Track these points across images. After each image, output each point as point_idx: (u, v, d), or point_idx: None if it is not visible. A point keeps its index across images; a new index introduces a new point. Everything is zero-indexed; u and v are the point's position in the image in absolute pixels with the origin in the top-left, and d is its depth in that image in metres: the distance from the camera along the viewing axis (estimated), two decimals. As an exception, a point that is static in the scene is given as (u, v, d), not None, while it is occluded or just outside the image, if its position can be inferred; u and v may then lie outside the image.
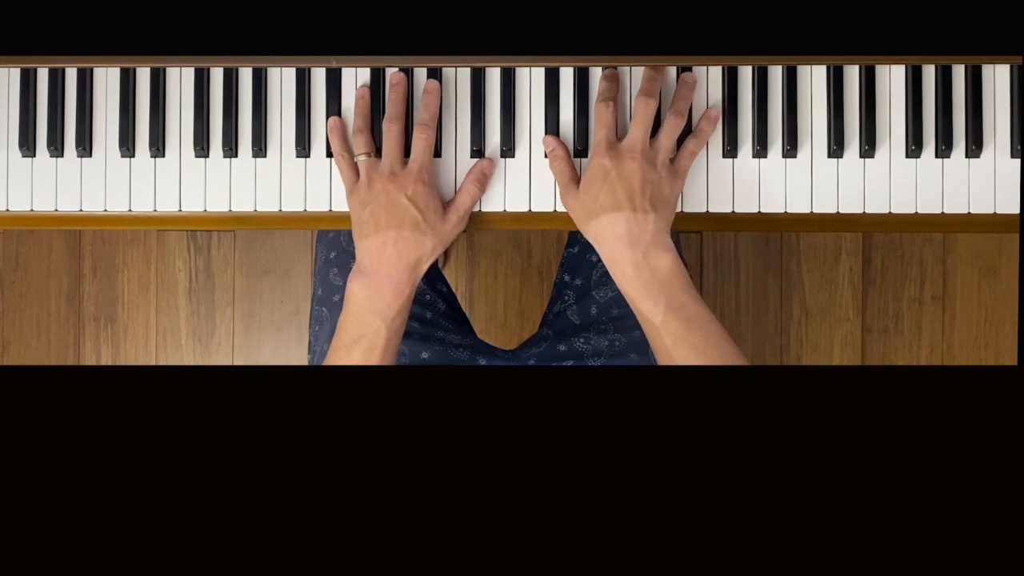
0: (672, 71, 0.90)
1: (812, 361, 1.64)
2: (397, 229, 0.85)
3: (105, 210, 0.91)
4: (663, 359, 0.84)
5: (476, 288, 1.67)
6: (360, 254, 0.86)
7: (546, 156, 0.90)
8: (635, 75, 0.90)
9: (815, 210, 0.90)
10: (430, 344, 1.03)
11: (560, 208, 0.90)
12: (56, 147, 0.91)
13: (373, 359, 0.84)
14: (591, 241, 0.86)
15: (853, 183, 0.90)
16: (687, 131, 0.89)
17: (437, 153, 0.90)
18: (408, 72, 0.91)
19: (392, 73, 0.90)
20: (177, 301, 1.67)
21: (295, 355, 1.66)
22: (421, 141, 0.87)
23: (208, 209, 0.91)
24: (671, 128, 0.87)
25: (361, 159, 0.88)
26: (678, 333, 0.81)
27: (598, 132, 0.86)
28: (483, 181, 0.89)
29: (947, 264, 1.65)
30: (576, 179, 0.88)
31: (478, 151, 0.90)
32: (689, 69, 0.90)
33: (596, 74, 0.90)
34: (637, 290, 0.83)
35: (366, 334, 0.84)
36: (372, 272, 0.85)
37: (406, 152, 0.88)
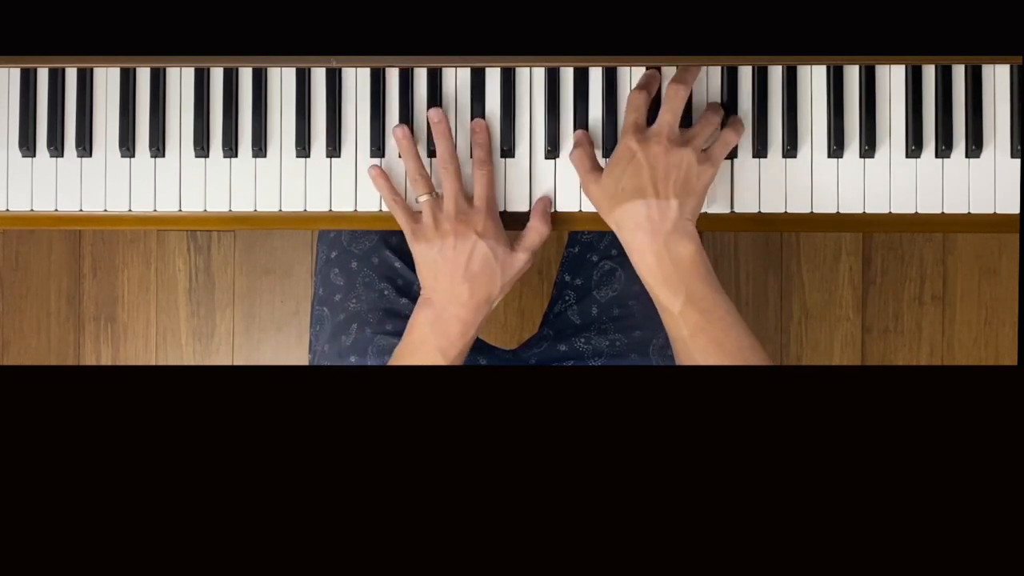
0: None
1: (812, 361, 1.64)
2: (467, 267, 0.85)
3: (105, 210, 0.91)
4: (680, 349, 0.83)
5: (476, 288, 1.67)
6: (428, 291, 0.86)
7: (547, 157, 0.90)
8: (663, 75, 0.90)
9: (815, 210, 0.90)
10: (430, 344, 1.03)
11: (560, 208, 0.90)
12: (56, 147, 0.91)
13: None
14: (612, 227, 0.85)
15: (853, 183, 0.90)
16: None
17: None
18: (408, 72, 0.91)
19: (431, 112, 0.89)
20: (177, 301, 1.67)
21: (295, 355, 1.66)
22: (483, 178, 0.87)
23: (208, 209, 0.91)
24: (707, 122, 0.86)
25: (424, 199, 0.87)
26: (696, 324, 0.81)
27: (628, 116, 0.86)
28: (548, 218, 0.89)
29: (947, 264, 1.65)
30: (597, 168, 0.87)
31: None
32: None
33: (596, 74, 0.90)
34: (657, 279, 0.82)
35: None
36: (442, 308, 0.85)
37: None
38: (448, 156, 0.88)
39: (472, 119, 0.90)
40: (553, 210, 0.90)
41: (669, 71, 0.90)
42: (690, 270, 0.82)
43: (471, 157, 0.89)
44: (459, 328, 0.85)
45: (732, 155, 0.90)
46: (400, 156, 0.90)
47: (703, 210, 0.90)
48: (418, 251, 0.87)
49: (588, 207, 0.89)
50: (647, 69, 0.90)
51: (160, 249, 1.67)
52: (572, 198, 0.90)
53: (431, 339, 0.85)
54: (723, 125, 0.88)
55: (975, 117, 0.89)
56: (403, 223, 0.88)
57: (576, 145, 0.89)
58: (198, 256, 1.67)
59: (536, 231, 0.88)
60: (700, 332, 0.81)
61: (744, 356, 0.81)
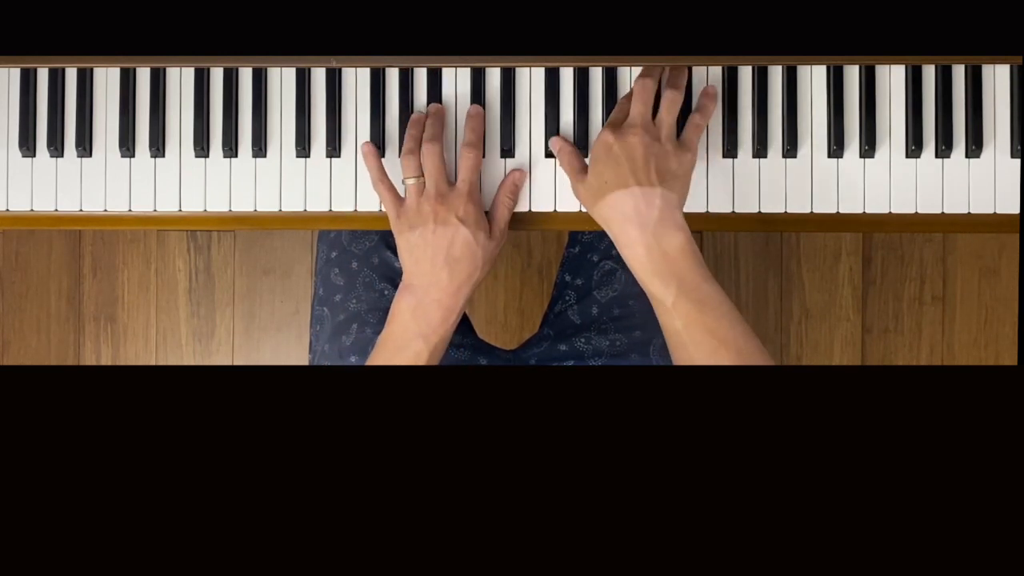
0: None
1: (812, 361, 1.64)
2: (448, 251, 0.85)
3: (105, 210, 0.91)
4: (674, 341, 0.83)
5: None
6: (409, 276, 0.87)
7: (547, 156, 0.90)
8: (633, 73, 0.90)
9: (815, 210, 0.90)
10: (430, 344, 1.03)
11: (560, 208, 0.90)
12: (56, 147, 0.91)
13: None
14: (601, 224, 0.86)
15: (853, 183, 0.90)
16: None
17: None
18: (408, 72, 0.91)
19: (432, 105, 0.90)
20: (177, 301, 1.67)
21: (295, 355, 1.66)
22: (469, 160, 0.87)
23: (208, 209, 0.91)
24: (669, 102, 0.86)
25: (411, 183, 0.87)
26: (690, 315, 0.81)
27: (612, 115, 0.87)
28: (516, 193, 0.90)
29: (947, 264, 1.65)
30: (584, 169, 0.88)
31: (478, 151, 0.90)
32: (689, 69, 0.90)
33: (596, 74, 0.90)
34: (648, 271, 0.82)
35: (407, 355, 0.85)
36: (422, 294, 0.85)
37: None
38: (434, 138, 0.88)
39: (472, 119, 0.90)
40: (553, 209, 0.90)
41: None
42: (680, 261, 0.82)
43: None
44: (440, 313, 0.85)
45: (732, 155, 0.90)
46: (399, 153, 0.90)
47: (704, 210, 0.90)
48: (400, 234, 0.87)
49: (588, 207, 0.89)
50: (647, 68, 0.89)
51: (160, 249, 1.67)
52: (571, 198, 0.90)
53: (412, 326, 0.85)
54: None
55: (975, 117, 0.89)
56: (387, 205, 0.88)
57: (561, 151, 0.89)
58: (198, 256, 1.67)
59: (504, 206, 0.89)
60: (694, 322, 0.81)
61: (738, 344, 0.80)
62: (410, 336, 0.85)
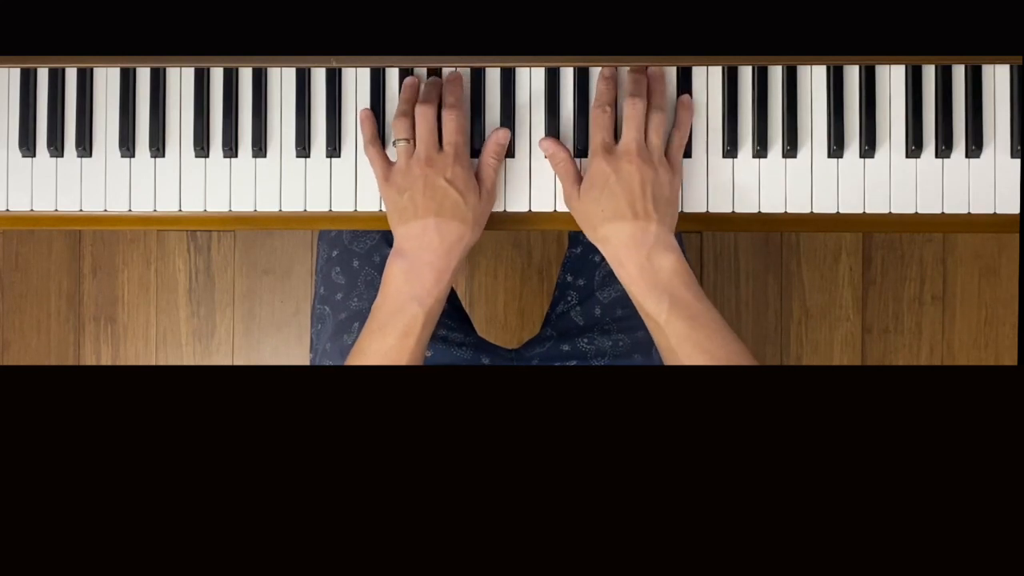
0: (671, 73, 0.90)
1: (812, 361, 1.64)
2: (437, 213, 0.84)
3: (105, 210, 0.91)
4: (668, 357, 0.84)
5: (476, 288, 1.67)
6: (399, 239, 0.86)
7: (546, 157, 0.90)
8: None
9: (815, 210, 0.90)
10: (433, 342, 1.03)
11: (560, 208, 0.90)
12: (56, 147, 0.91)
13: (408, 344, 0.84)
14: (595, 243, 0.86)
15: (853, 183, 0.90)
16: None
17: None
18: (408, 72, 0.91)
19: (432, 78, 0.90)
20: (177, 301, 1.67)
21: (295, 355, 1.66)
22: (452, 122, 0.87)
23: (208, 209, 0.91)
24: (657, 124, 0.86)
25: (401, 145, 0.87)
26: (682, 331, 0.82)
27: (595, 136, 0.86)
28: (500, 152, 0.89)
29: (947, 264, 1.65)
30: (579, 179, 0.88)
31: (478, 151, 0.90)
32: (689, 69, 0.90)
33: (596, 74, 0.90)
34: (641, 289, 0.83)
35: (403, 319, 0.84)
36: (414, 257, 0.85)
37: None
38: (429, 100, 0.88)
39: (472, 119, 0.90)
40: (553, 209, 0.90)
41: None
42: (673, 279, 0.83)
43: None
44: (433, 275, 0.84)
45: (732, 155, 0.90)
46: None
47: (704, 210, 0.90)
48: (387, 196, 0.87)
49: (588, 207, 0.89)
50: (607, 70, 0.89)
51: (160, 249, 1.67)
52: (572, 198, 0.90)
53: (406, 289, 0.84)
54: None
55: (975, 117, 0.89)
56: (377, 168, 0.88)
57: (554, 158, 0.89)
58: (198, 256, 1.67)
59: (489, 167, 0.88)
60: (686, 339, 0.82)
61: (730, 360, 0.81)
62: (404, 299, 0.84)
